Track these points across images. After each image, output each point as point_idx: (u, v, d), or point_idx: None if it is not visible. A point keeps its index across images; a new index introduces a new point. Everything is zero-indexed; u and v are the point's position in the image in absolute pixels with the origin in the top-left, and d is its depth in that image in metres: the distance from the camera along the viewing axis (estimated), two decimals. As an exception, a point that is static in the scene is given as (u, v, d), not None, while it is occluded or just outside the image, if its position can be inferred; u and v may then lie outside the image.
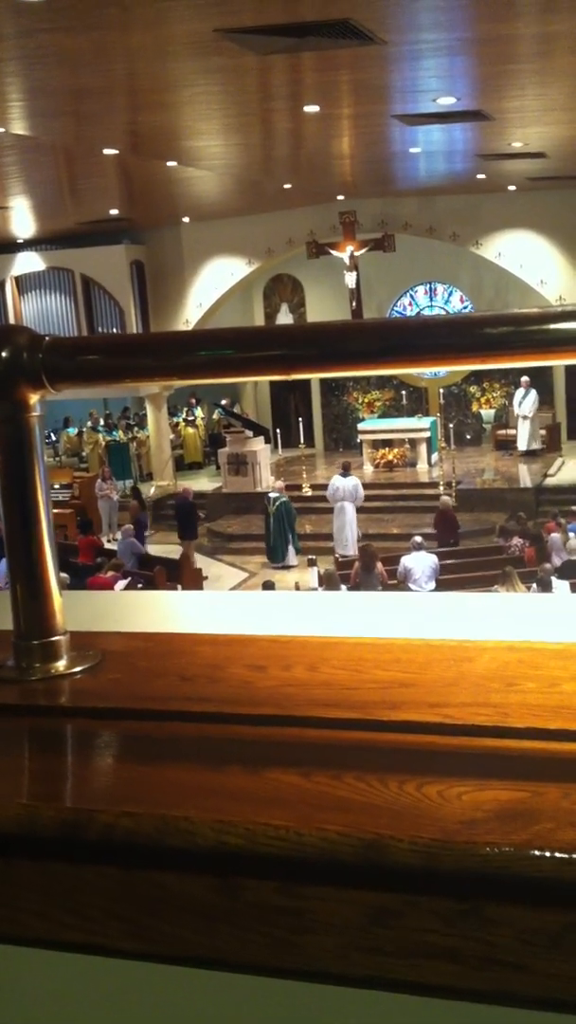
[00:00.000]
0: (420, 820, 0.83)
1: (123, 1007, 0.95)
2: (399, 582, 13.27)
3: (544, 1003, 0.79)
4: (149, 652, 1.30)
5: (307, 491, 19.91)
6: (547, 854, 0.78)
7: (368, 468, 21.60)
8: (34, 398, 1.21)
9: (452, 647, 1.20)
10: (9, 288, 23.21)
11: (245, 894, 0.86)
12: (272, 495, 17.48)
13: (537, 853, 0.78)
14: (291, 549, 17.19)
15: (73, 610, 1.30)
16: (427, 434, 21.02)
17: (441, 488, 19.18)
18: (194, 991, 0.91)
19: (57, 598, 1.25)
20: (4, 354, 1.18)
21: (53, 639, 1.24)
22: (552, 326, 1.03)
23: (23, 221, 19.64)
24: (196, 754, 1.02)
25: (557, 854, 0.77)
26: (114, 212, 19.37)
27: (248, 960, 0.86)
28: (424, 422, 21.45)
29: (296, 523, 17.44)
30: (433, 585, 13.15)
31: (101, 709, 1.12)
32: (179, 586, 14.29)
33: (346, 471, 17.73)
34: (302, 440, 20.71)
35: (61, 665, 1.23)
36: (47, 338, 1.20)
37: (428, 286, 24.32)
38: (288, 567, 16.90)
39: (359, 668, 1.16)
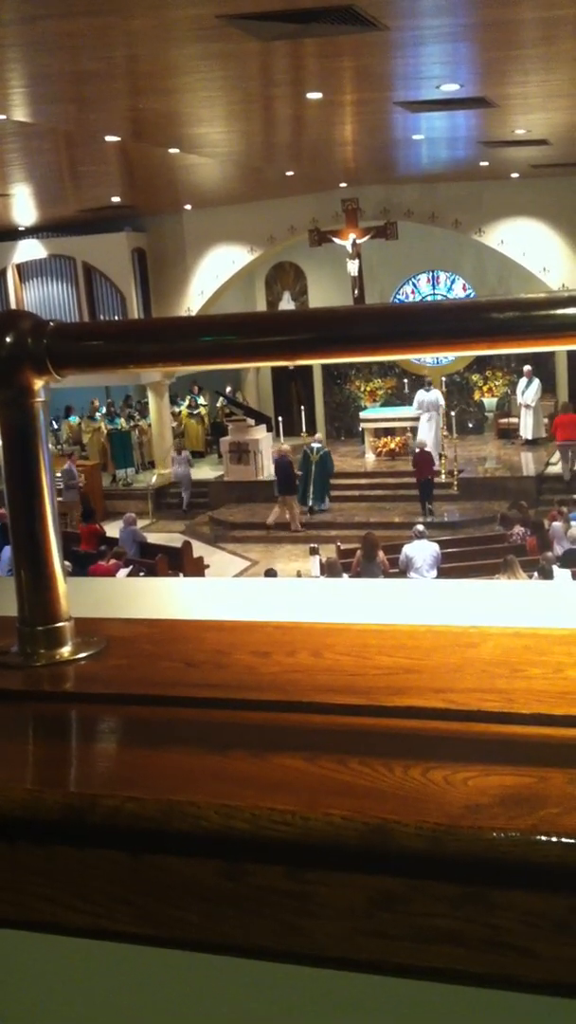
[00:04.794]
0: (425, 805, 0.83)
1: (128, 991, 0.96)
2: (401, 571, 13.27)
3: (549, 987, 0.79)
4: (154, 638, 1.30)
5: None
6: (552, 839, 0.78)
7: (370, 456, 21.59)
8: (38, 384, 1.20)
9: (457, 633, 1.20)
10: (11, 276, 23.17)
11: (250, 878, 0.86)
12: (315, 445, 19.20)
13: (542, 838, 0.78)
14: (327, 496, 19.14)
15: (77, 596, 1.30)
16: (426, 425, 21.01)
17: (444, 478, 19.21)
18: (199, 975, 0.92)
19: (62, 584, 1.25)
20: (8, 339, 1.18)
21: (58, 625, 1.24)
22: (559, 311, 1.02)
23: (25, 209, 19.60)
24: (201, 739, 1.02)
25: (562, 839, 0.77)
26: (116, 199, 19.32)
27: (253, 944, 0.86)
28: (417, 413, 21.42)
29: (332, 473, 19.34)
30: (435, 574, 13.15)
31: (106, 695, 1.12)
32: (180, 574, 14.30)
33: (428, 387, 20.84)
34: (304, 429, 20.69)
35: (66, 651, 1.23)
36: (51, 323, 1.20)
37: (430, 274, 24.26)
38: (324, 511, 18.92)
39: (364, 654, 1.16)
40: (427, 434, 19.93)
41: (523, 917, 0.79)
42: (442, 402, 20.74)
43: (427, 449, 18.80)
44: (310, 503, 19.14)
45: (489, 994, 0.82)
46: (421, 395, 20.84)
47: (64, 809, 0.90)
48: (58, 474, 21.33)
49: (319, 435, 20.43)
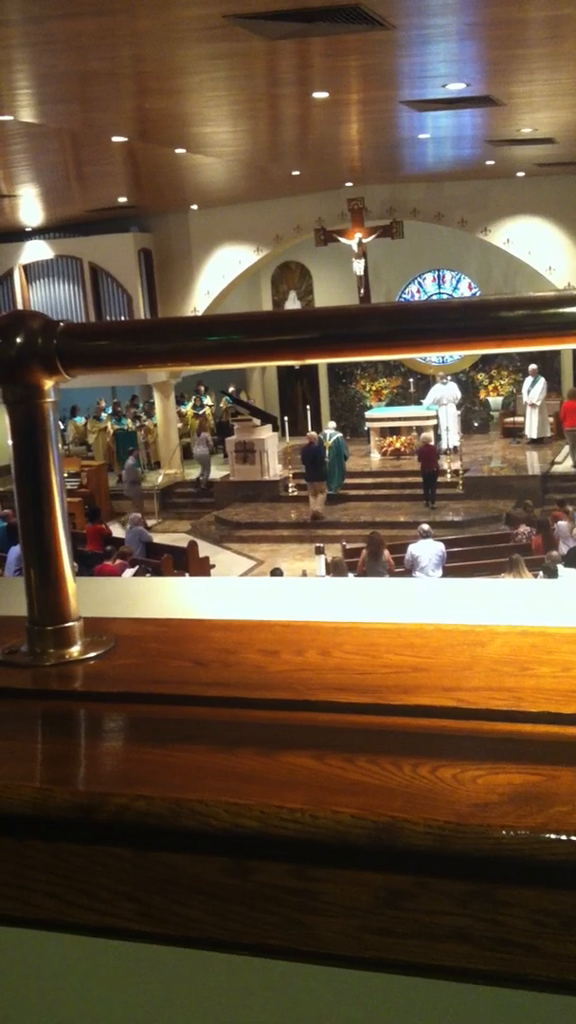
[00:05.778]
0: (434, 803, 0.83)
1: (134, 989, 0.96)
2: (406, 570, 13.26)
3: (555, 985, 0.79)
4: (162, 637, 1.30)
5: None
6: (561, 837, 0.78)
7: (375, 456, 21.58)
8: (48, 383, 1.21)
9: (464, 632, 1.20)
10: (17, 276, 23.18)
11: (258, 876, 0.86)
12: (328, 432, 20.02)
13: (551, 836, 0.78)
14: (342, 480, 19.91)
15: (86, 596, 1.30)
16: (434, 422, 21.01)
17: (450, 476, 19.21)
18: (206, 973, 0.92)
19: (71, 584, 1.25)
20: (19, 339, 1.18)
21: (67, 625, 1.24)
22: (568, 309, 1.02)
23: (31, 209, 19.61)
24: (210, 738, 1.02)
25: (571, 837, 0.78)
26: (122, 200, 19.33)
27: (260, 942, 0.87)
28: (431, 410, 21.44)
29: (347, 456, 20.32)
30: (440, 573, 13.13)
31: (115, 693, 1.13)
32: (186, 574, 14.31)
33: (445, 380, 21.39)
34: (310, 428, 20.70)
35: (75, 650, 1.24)
36: (61, 324, 1.20)
37: (436, 273, 24.24)
38: (340, 494, 19.66)
39: (372, 653, 1.16)
40: (450, 423, 20.61)
41: (530, 915, 0.79)
42: (459, 393, 21.37)
43: (432, 443, 19.13)
44: (331, 486, 19.74)
45: (496, 992, 0.82)
46: (439, 389, 21.21)
47: (73, 807, 0.91)
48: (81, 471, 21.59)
49: (332, 423, 21.03)
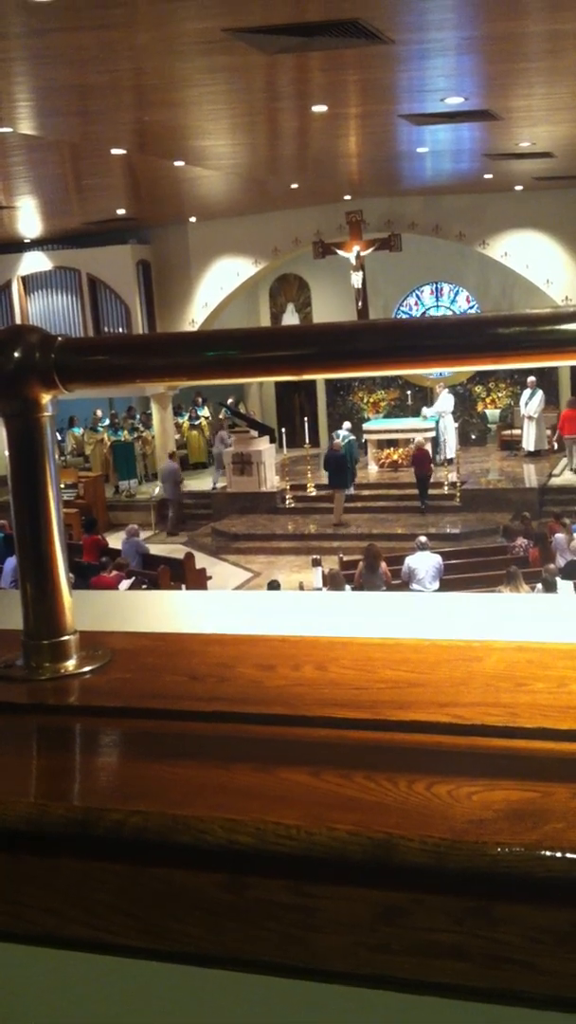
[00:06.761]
0: (430, 819, 0.84)
1: (130, 1005, 0.96)
2: (403, 582, 13.25)
3: (552, 1002, 0.79)
4: (158, 651, 1.30)
5: (312, 491, 19.94)
6: (557, 854, 0.78)
7: (372, 468, 21.60)
8: (46, 398, 1.21)
9: (461, 647, 1.20)
10: (16, 288, 23.23)
11: (254, 892, 0.86)
12: (342, 433, 20.55)
13: (547, 853, 0.78)
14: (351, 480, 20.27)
15: (82, 609, 1.30)
16: (432, 434, 21.03)
17: (447, 488, 19.23)
18: (201, 989, 0.92)
19: (67, 598, 1.25)
20: (17, 354, 1.19)
21: (63, 639, 1.24)
22: (563, 326, 1.03)
23: (30, 221, 19.66)
24: (206, 753, 1.02)
25: (567, 854, 0.78)
26: (121, 212, 19.39)
27: (256, 958, 0.86)
28: (429, 422, 21.47)
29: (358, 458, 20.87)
30: (437, 585, 13.13)
31: (111, 708, 1.13)
32: (183, 586, 14.29)
33: (444, 389, 21.94)
34: (307, 440, 20.71)
35: (71, 664, 1.23)
36: (59, 338, 1.21)
37: (434, 286, 24.30)
38: (349, 493, 19.75)
39: (368, 668, 1.16)
40: (449, 434, 20.96)
41: (526, 931, 0.79)
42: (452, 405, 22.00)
43: (425, 448, 19.44)
44: (343, 485, 19.99)
45: (492, 1009, 0.82)
46: (445, 398, 21.61)
47: (68, 822, 0.91)
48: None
49: (348, 424, 21.39)
